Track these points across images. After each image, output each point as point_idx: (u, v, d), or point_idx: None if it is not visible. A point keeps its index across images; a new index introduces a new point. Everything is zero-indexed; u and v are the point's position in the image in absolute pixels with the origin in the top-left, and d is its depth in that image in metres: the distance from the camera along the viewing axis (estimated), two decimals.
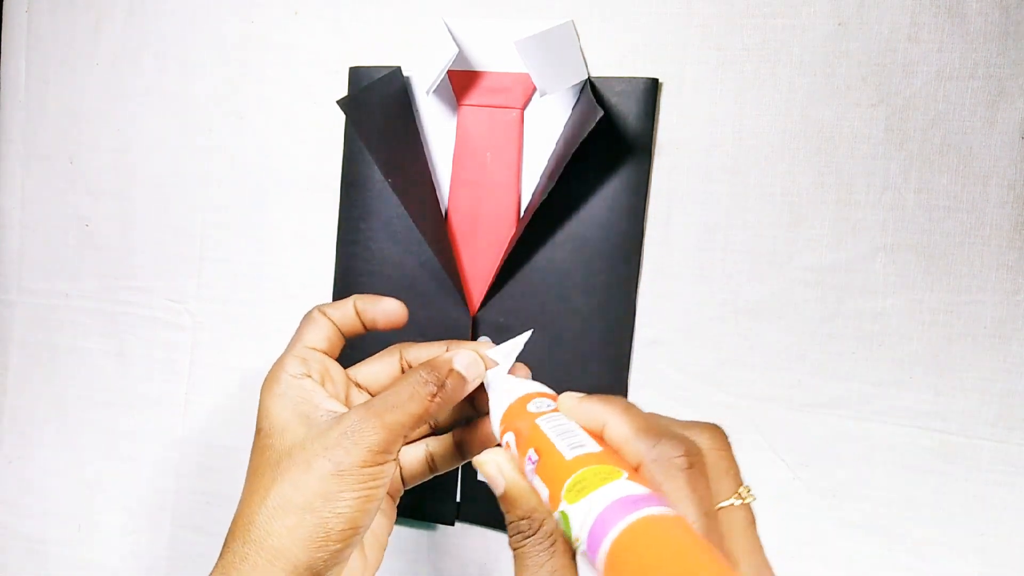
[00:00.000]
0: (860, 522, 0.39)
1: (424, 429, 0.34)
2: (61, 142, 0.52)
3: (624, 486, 0.20)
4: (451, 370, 0.29)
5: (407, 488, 0.34)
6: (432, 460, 0.33)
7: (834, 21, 0.38)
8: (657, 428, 0.23)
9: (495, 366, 0.31)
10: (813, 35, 0.38)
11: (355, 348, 0.34)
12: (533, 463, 0.24)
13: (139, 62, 0.49)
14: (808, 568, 0.40)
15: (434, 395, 0.28)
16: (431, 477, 0.34)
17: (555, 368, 0.42)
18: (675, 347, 0.41)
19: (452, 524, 0.45)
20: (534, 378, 0.30)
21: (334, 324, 0.32)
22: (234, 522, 0.28)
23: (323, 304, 0.33)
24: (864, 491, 0.39)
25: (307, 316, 0.33)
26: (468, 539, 0.46)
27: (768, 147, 0.39)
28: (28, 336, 0.53)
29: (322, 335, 0.32)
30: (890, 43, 0.37)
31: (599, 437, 0.23)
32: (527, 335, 0.31)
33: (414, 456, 0.33)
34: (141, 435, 0.51)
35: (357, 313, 0.32)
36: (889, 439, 0.39)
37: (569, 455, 0.22)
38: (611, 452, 0.23)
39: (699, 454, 0.22)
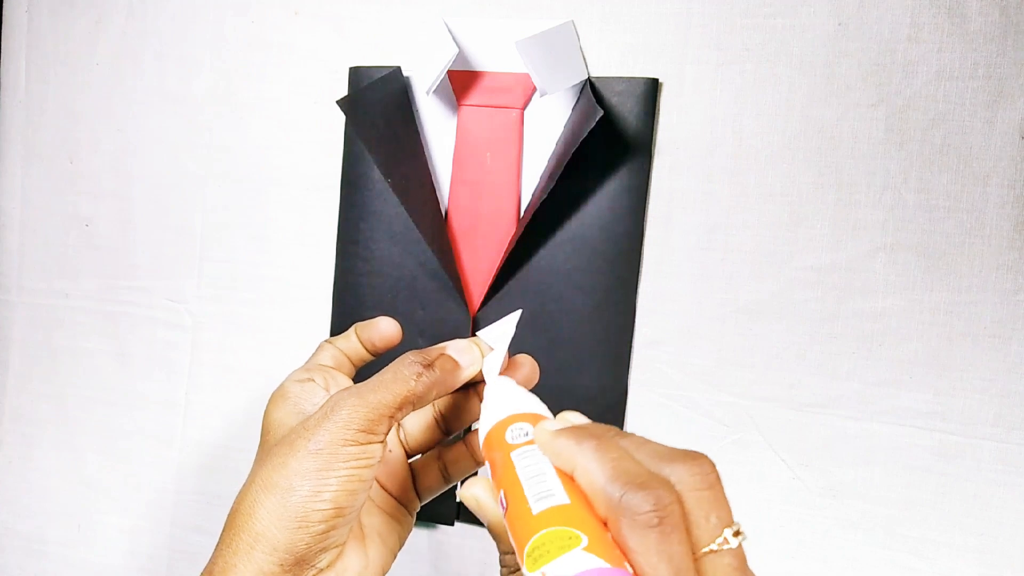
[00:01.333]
0: (860, 521, 0.39)
1: (434, 433, 0.33)
2: (61, 142, 0.52)
3: (580, 559, 0.19)
4: (441, 354, 0.29)
5: (424, 501, 0.33)
6: (445, 469, 0.33)
7: (834, 21, 0.38)
8: (628, 474, 0.21)
9: (491, 351, 0.30)
10: (813, 35, 0.38)
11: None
12: (504, 507, 0.23)
13: (139, 62, 0.49)
14: (808, 567, 0.40)
15: (420, 375, 0.27)
16: (448, 487, 0.33)
17: (555, 368, 0.42)
18: (675, 347, 0.41)
19: (452, 524, 0.45)
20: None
21: (341, 351, 0.32)
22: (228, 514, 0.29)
23: (330, 338, 0.33)
24: (864, 491, 0.39)
25: (316, 348, 0.33)
26: (468, 539, 0.46)
27: (768, 147, 0.39)
28: (28, 336, 0.53)
29: (328, 355, 0.32)
30: (890, 43, 0.37)
31: (572, 480, 0.22)
32: (517, 314, 0.30)
33: (427, 466, 0.33)
34: (141, 435, 0.51)
35: (359, 339, 0.32)
36: (889, 439, 0.39)
37: (535, 508, 0.21)
38: (581, 502, 0.21)
39: (673, 502, 0.20)
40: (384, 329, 0.33)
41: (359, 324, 0.33)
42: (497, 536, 0.25)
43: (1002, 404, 0.37)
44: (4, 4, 0.52)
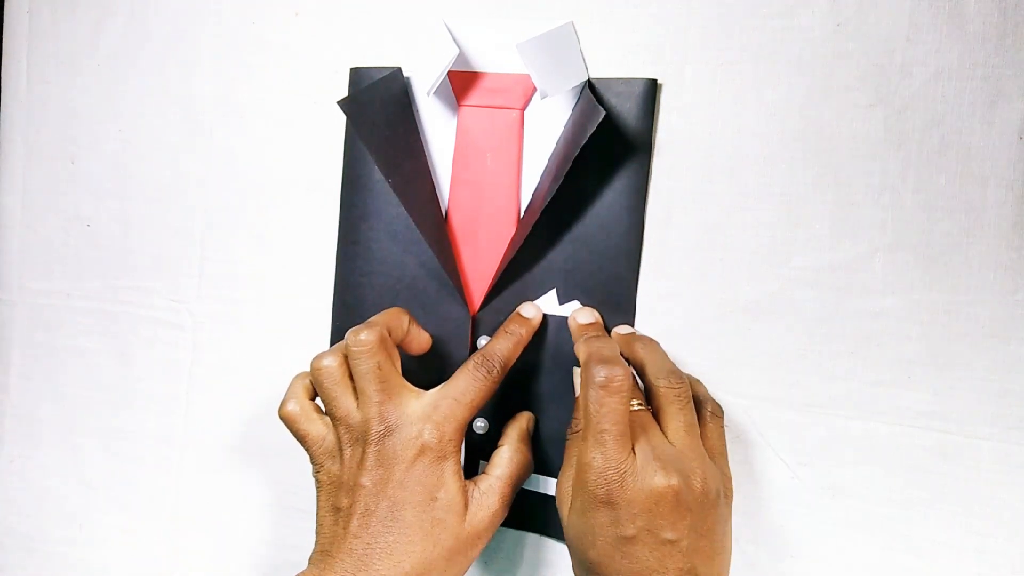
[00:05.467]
0: (859, 522, 0.39)
1: None
2: (62, 142, 0.52)
3: None
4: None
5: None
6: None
7: (832, 22, 0.38)
8: (599, 355, 0.34)
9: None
10: (812, 36, 0.38)
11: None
12: None
13: (140, 63, 0.50)
14: (807, 567, 0.40)
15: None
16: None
17: (556, 367, 0.42)
18: (673, 347, 0.41)
19: None
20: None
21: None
22: None
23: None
24: (863, 491, 0.39)
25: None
26: None
27: (767, 147, 0.39)
28: (29, 336, 0.53)
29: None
30: (888, 44, 0.37)
31: None
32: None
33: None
34: (142, 434, 0.51)
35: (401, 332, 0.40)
36: (888, 439, 0.39)
37: None
38: None
39: (625, 377, 0.33)
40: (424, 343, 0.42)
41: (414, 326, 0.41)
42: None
43: (1001, 404, 0.37)
44: (6, 4, 0.52)
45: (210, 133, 0.49)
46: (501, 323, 0.43)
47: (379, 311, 0.44)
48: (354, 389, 0.37)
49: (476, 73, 0.43)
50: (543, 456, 0.43)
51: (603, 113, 0.36)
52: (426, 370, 0.44)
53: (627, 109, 0.40)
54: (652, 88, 0.40)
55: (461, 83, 0.43)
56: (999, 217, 0.36)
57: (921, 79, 0.37)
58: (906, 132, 0.37)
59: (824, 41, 0.38)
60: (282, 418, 0.39)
